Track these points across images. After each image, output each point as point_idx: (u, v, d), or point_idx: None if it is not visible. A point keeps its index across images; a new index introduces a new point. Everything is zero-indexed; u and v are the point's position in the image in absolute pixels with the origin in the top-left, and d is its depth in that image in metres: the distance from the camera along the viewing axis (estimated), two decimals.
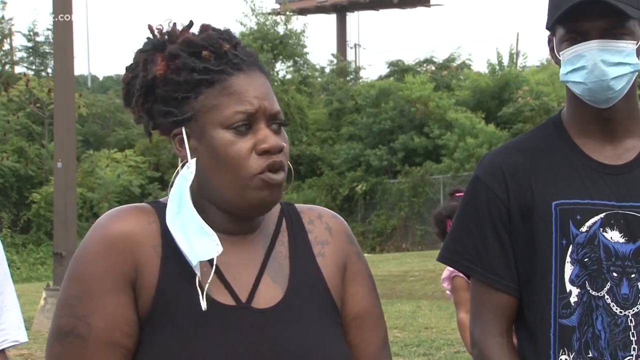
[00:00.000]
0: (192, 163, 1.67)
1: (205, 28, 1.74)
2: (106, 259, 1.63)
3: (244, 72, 1.68)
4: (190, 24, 1.75)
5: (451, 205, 4.75)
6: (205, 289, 1.61)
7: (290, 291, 1.70)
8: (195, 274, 1.62)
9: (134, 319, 1.64)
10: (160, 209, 1.69)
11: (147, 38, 1.74)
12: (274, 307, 1.67)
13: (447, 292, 4.90)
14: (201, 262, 1.62)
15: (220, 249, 1.60)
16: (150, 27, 1.74)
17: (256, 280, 1.69)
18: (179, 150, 1.69)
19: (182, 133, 1.68)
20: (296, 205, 1.82)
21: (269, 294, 1.68)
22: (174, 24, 1.74)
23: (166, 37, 1.72)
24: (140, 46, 1.74)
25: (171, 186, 1.69)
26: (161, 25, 1.74)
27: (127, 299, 1.64)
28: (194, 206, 1.68)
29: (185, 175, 1.67)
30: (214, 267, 1.63)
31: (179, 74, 1.67)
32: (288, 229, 1.77)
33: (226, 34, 1.72)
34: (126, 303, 1.63)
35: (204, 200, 1.70)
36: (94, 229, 1.67)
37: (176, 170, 1.70)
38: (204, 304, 1.60)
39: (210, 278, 1.62)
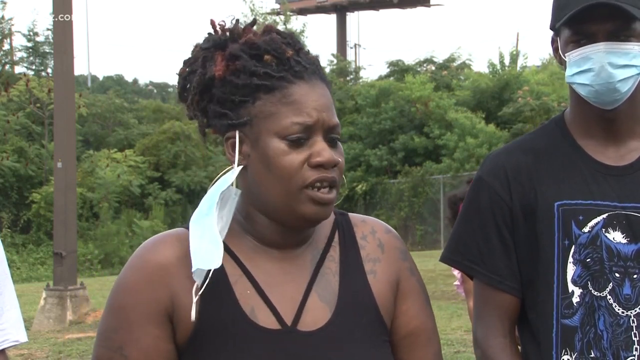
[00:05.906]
0: (236, 170, 1.62)
1: (268, 29, 1.66)
2: (143, 291, 1.61)
3: (305, 81, 1.61)
4: (253, 22, 1.68)
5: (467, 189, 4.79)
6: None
7: (339, 311, 1.63)
8: (231, 296, 1.59)
9: (169, 350, 1.61)
10: None
11: (208, 34, 1.67)
12: (321, 328, 1.61)
13: (457, 282, 4.91)
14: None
15: (218, 264, 1.55)
16: (212, 23, 1.68)
17: (303, 299, 1.63)
18: (230, 153, 1.63)
19: (235, 137, 1.62)
20: (350, 215, 1.76)
21: (316, 314, 1.63)
22: (237, 20, 1.67)
23: (227, 34, 1.66)
24: (200, 41, 1.68)
25: (212, 185, 1.65)
26: (223, 21, 1.67)
27: (163, 331, 1.60)
28: (241, 213, 1.66)
29: (227, 179, 1.63)
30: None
31: (238, 77, 1.60)
32: (340, 244, 1.71)
33: (290, 39, 1.65)
34: (162, 335, 1.60)
35: (253, 208, 1.65)
36: (133, 260, 1.65)
37: (222, 173, 1.65)
38: (193, 315, 1.56)
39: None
